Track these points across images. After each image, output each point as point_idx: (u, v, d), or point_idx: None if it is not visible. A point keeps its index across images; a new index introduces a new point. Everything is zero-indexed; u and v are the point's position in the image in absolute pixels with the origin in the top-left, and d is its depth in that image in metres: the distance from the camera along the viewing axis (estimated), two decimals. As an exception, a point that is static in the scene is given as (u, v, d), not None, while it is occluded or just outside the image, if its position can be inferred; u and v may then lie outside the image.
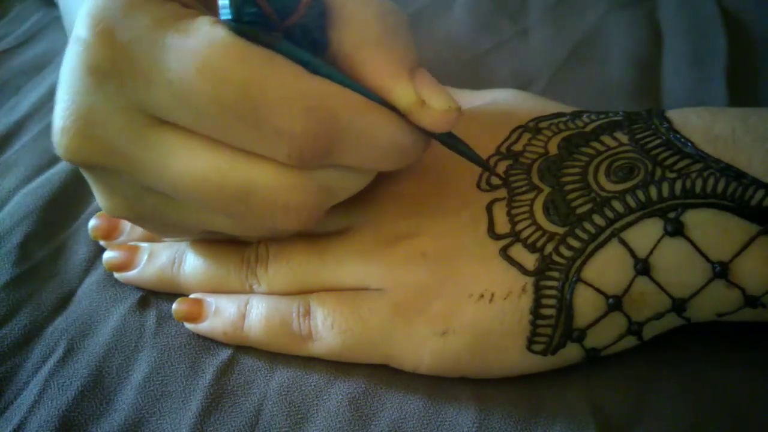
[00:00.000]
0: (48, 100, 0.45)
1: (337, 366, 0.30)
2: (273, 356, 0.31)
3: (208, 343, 0.31)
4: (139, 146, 0.24)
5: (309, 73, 0.24)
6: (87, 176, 0.27)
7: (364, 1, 0.26)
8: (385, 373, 0.29)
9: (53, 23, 0.54)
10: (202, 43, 0.23)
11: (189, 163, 0.24)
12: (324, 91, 0.24)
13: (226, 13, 0.23)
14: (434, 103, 0.25)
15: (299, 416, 0.28)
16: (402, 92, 0.25)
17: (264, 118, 0.23)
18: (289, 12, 0.24)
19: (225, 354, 0.31)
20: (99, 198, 0.28)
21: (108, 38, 0.23)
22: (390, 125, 0.25)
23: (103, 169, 0.26)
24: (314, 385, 0.29)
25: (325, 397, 0.29)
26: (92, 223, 0.35)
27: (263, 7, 0.23)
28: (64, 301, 0.33)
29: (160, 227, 0.30)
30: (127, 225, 0.35)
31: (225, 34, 0.23)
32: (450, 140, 0.28)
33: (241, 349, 0.31)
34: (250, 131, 0.23)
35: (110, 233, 0.35)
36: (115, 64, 0.23)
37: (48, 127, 0.42)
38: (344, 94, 0.24)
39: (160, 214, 0.27)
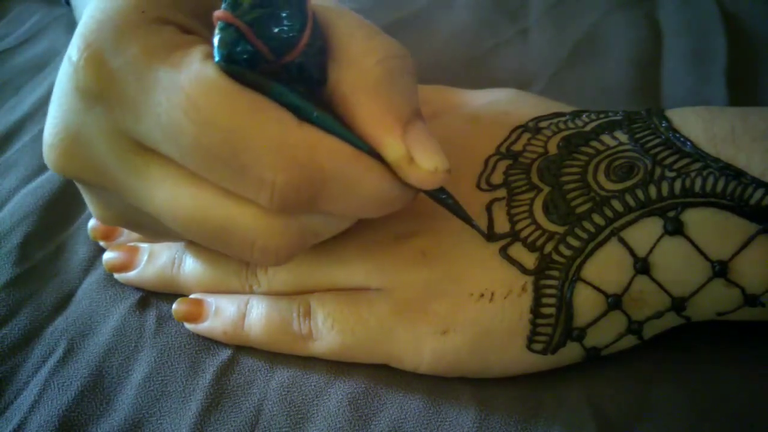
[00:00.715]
0: (48, 100, 0.45)
1: (337, 366, 0.30)
2: (273, 356, 0.31)
3: (208, 343, 0.31)
4: (125, 171, 0.24)
5: (297, 121, 0.23)
6: (78, 186, 0.28)
7: (370, 46, 0.25)
8: (385, 373, 0.29)
9: (53, 23, 0.54)
10: (190, 82, 0.22)
11: (171, 195, 0.24)
12: (310, 142, 0.23)
13: (216, 54, 0.22)
14: (422, 162, 0.24)
15: (299, 416, 0.28)
16: (391, 146, 0.24)
17: (245, 165, 0.22)
18: (286, 49, 0.23)
19: (225, 354, 0.31)
20: (90, 207, 0.28)
21: (97, 63, 0.23)
22: (377, 177, 0.24)
23: (92, 185, 0.26)
24: (314, 385, 0.29)
25: (325, 397, 0.29)
26: (92, 223, 0.35)
27: (257, 45, 0.22)
28: (64, 301, 0.33)
29: (153, 236, 0.31)
30: None
31: (214, 75, 0.22)
32: (439, 195, 0.27)
33: (241, 349, 0.31)
34: (232, 175, 0.23)
35: (110, 234, 0.35)
36: (103, 89, 0.23)
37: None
38: (331, 145, 0.23)
39: (152, 226, 0.28)
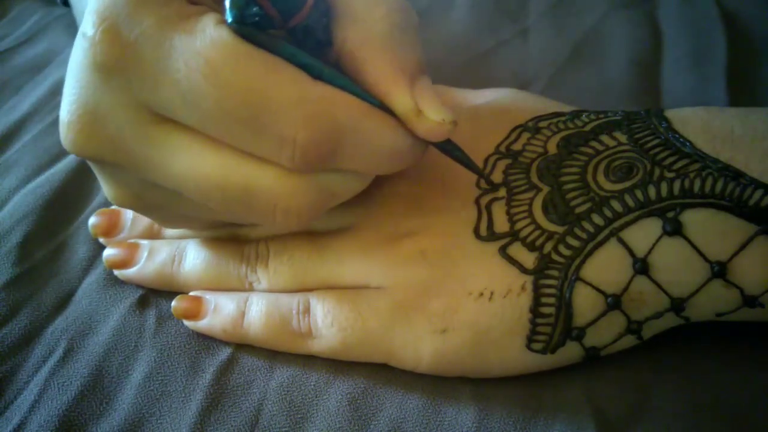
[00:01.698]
0: (48, 100, 0.45)
1: (336, 366, 0.30)
2: (273, 356, 0.31)
3: (207, 342, 0.31)
4: (144, 143, 0.25)
5: (310, 78, 0.24)
6: (93, 167, 0.28)
7: (374, 2, 0.26)
8: (384, 373, 0.30)
9: (53, 23, 0.54)
10: (206, 46, 0.23)
11: (192, 163, 0.24)
12: (325, 97, 0.24)
13: (228, 15, 0.23)
14: (430, 113, 0.25)
15: (299, 416, 0.28)
16: (400, 99, 0.25)
17: (266, 124, 0.23)
18: (292, 12, 0.24)
19: (225, 353, 0.31)
20: (105, 188, 0.28)
21: (113, 36, 0.23)
22: (390, 130, 0.25)
23: (108, 164, 0.26)
24: (314, 385, 0.29)
25: (324, 397, 0.29)
26: (92, 220, 0.35)
27: (266, 8, 0.23)
28: (64, 301, 0.33)
29: (166, 218, 0.31)
30: (127, 222, 0.35)
31: (228, 37, 0.23)
32: (447, 147, 0.28)
33: (241, 348, 0.31)
34: (253, 136, 0.23)
35: (110, 230, 0.35)
36: (120, 61, 0.24)
37: (49, 127, 0.43)
38: (345, 100, 0.24)
39: (166, 206, 0.28)
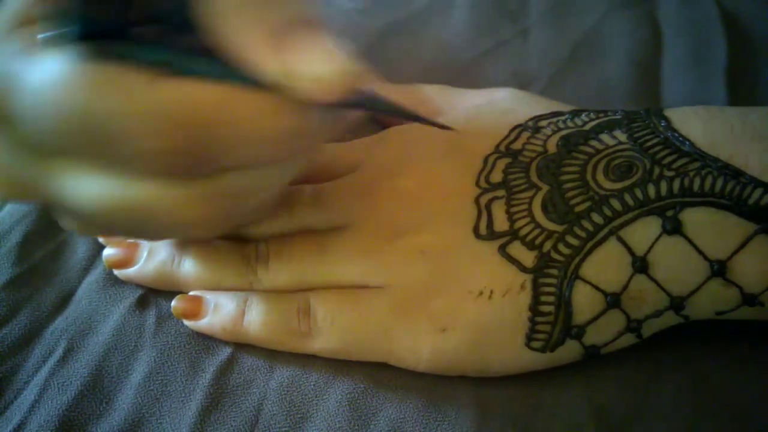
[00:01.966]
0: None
1: (336, 365, 0.30)
2: (272, 356, 0.31)
3: (207, 342, 0.31)
4: (41, 180, 0.24)
5: (162, 78, 0.21)
6: None
7: None
8: (384, 373, 0.30)
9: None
10: (42, 79, 0.21)
11: (83, 191, 0.23)
12: (181, 97, 0.21)
13: (51, 44, 0.21)
14: (305, 69, 0.20)
15: (299, 416, 0.28)
16: (264, 66, 0.21)
17: (122, 143, 0.21)
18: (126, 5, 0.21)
19: (224, 353, 0.31)
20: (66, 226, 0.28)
21: None
22: (268, 111, 0.21)
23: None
24: (314, 385, 0.29)
25: (324, 397, 0.29)
26: None
27: (92, 14, 0.20)
28: (63, 301, 0.33)
29: (127, 236, 0.31)
30: None
31: (63, 65, 0.21)
32: (361, 102, 0.24)
33: (241, 348, 0.31)
34: (118, 157, 0.22)
35: None
36: None
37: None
38: (206, 92, 0.21)
39: (115, 228, 0.27)
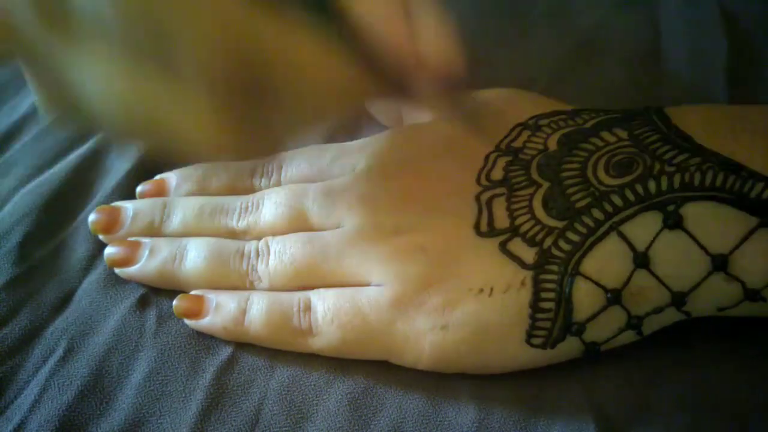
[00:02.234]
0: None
1: (337, 365, 0.30)
2: (273, 355, 0.31)
3: (208, 342, 0.31)
4: (56, 44, 0.23)
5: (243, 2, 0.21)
6: (24, 70, 0.27)
7: None
8: (384, 373, 0.29)
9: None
10: None
11: (103, 74, 0.23)
12: (251, 22, 0.21)
13: None
14: (430, 43, 0.23)
15: (299, 416, 0.28)
16: (389, 30, 0.22)
17: (177, 50, 0.21)
18: None
19: (225, 353, 0.31)
20: (37, 96, 0.27)
21: None
22: (340, 67, 0.23)
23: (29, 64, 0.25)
24: (314, 385, 0.29)
25: (325, 397, 0.29)
26: (92, 217, 0.35)
27: None
28: (64, 301, 0.33)
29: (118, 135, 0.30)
30: (127, 219, 0.35)
31: None
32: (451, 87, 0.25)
33: (241, 348, 0.31)
34: (173, 60, 0.21)
35: (110, 227, 0.34)
36: None
37: (49, 127, 0.43)
38: (280, 32, 0.21)
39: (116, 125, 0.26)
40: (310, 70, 0.22)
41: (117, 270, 0.34)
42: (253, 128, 0.24)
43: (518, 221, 0.28)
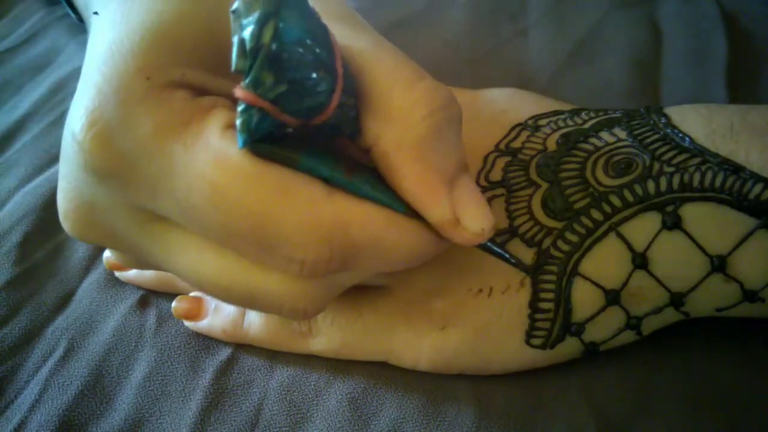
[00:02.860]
0: (49, 99, 0.45)
1: (336, 365, 0.30)
2: (273, 356, 0.31)
3: (207, 342, 0.31)
4: (144, 239, 0.24)
5: (327, 195, 0.21)
6: None
7: (413, 98, 0.22)
8: (384, 373, 0.30)
9: (55, 22, 0.54)
10: (210, 166, 0.20)
11: (195, 263, 0.23)
12: (341, 217, 0.21)
13: (239, 139, 0.20)
14: (469, 225, 0.23)
15: (299, 416, 0.28)
16: (436, 210, 0.23)
17: (274, 247, 0.21)
18: (315, 115, 0.21)
19: (225, 353, 0.31)
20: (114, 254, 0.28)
21: (105, 144, 0.21)
22: (412, 240, 0.23)
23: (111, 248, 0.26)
24: (314, 385, 0.29)
25: (324, 397, 0.29)
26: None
27: (284, 120, 0.20)
28: (64, 301, 0.33)
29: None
30: None
31: (236, 157, 0.20)
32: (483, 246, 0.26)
33: (241, 348, 0.31)
34: (261, 254, 0.22)
35: None
36: (113, 171, 0.22)
37: (49, 127, 0.43)
38: (364, 216, 0.22)
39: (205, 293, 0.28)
40: (390, 245, 0.23)
41: (116, 273, 0.34)
42: (328, 293, 0.25)
43: (517, 222, 0.28)
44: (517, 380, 0.29)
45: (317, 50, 0.20)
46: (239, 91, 0.19)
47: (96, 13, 0.25)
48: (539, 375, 0.29)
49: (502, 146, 0.31)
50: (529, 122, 0.32)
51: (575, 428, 0.27)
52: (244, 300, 0.23)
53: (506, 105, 0.34)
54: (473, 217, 0.23)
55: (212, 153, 0.20)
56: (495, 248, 0.25)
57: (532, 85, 0.43)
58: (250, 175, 0.20)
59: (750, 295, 0.26)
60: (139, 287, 0.34)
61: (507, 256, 0.26)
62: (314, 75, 0.20)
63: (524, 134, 0.31)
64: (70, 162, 0.23)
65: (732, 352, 0.29)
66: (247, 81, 0.19)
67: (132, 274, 0.33)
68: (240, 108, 0.20)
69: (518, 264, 0.26)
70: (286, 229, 0.21)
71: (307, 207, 0.21)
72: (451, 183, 0.23)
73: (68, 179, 0.24)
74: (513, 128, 0.32)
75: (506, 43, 0.47)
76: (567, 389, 0.29)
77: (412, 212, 0.23)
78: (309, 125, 0.21)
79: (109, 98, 0.21)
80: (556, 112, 0.32)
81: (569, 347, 0.28)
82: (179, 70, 0.22)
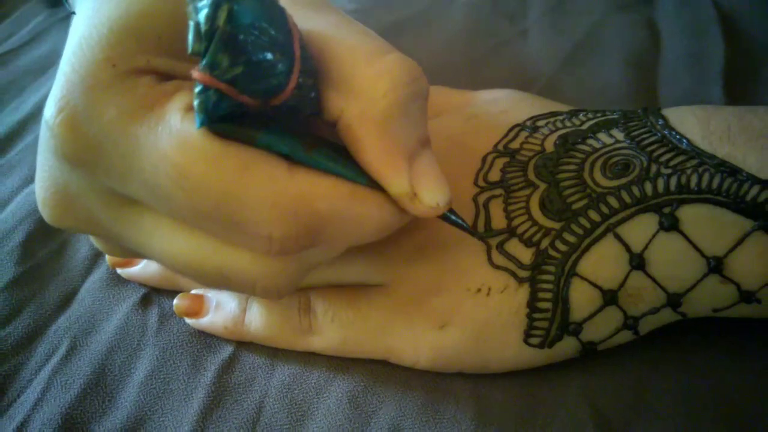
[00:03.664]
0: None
1: (337, 363, 0.30)
2: (274, 354, 0.31)
3: (209, 340, 0.31)
4: (119, 223, 0.24)
5: (288, 171, 0.22)
6: None
7: (376, 72, 0.23)
8: (384, 371, 0.30)
9: (57, 24, 0.54)
10: (172, 147, 0.21)
11: (168, 244, 0.24)
12: (304, 191, 0.22)
13: (196, 120, 0.20)
14: (425, 198, 0.24)
15: (300, 413, 0.29)
16: (395, 183, 0.23)
17: (241, 223, 0.22)
18: (273, 95, 0.21)
19: (226, 352, 0.31)
20: (95, 244, 0.28)
21: (71, 130, 0.22)
22: (376, 211, 0.24)
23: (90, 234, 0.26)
24: (315, 383, 0.30)
25: (325, 395, 0.29)
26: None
27: (242, 101, 0.21)
28: (66, 300, 0.34)
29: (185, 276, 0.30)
30: None
31: (197, 137, 0.21)
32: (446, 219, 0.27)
33: (242, 346, 0.31)
34: (228, 232, 0.22)
35: None
36: (81, 156, 0.22)
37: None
38: (327, 189, 0.22)
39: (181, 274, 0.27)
40: (355, 216, 0.23)
41: (119, 270, 0.34)
42: (301, 271, 0.25)
43: (515, 222, 0.28)
44: (516, 378, 0.29)
45: (273, 32, 0.20)
46: (196, 73, 0.20)
47: (73, 13, 0.26)
48: (538, 373, 0.29)
49: (500, 147, 0.31)
50: (528, 123, 0.32)
51: (573, 426, 0.27)
52: (218, 280, 0.24)
53: (505, 106, 0.34)
54: (430, 191, 0.24)
55: (174, 134, 0.21)
56: (452, 217, 0.26)
57: (531, 86, 0.43)
58: (210, 155, 0.21)
59: (747, 296, 0.26)
60: (141, 285, 0.34)
61: (464, 225, 0.26)
62: (270, 56, 0.20)
63: (522, 135, 0.31)
64: (44, 149, 0.24)
65: (729, 352, 0.29)
66: (203, 63, 0.20)
67: (134, 270, 0.33)
68: (197, 89, 0.20)
69: (474, 233, 0.27)
70: (248, 206, 0.21)
71: (267, 183, 0.21)
72: (412, 157, 0.24)
73: (44, 167, 0.24)
74: (511, 129, 0.32)
75: (505, 43, 0.47)
76: (565, 387, 0.29)
77: (374, 185, 0.23)
78: (268, 105, 0.21)
79: (76, 86, 0.22)
80: (554, 113, 0.32)
81: (567, 347, 0.28)
82: (144, 57, 0.22)
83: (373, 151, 0.23)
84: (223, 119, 0.21)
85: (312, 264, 0.25)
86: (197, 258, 0.23)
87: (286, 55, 0.21)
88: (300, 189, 0.22)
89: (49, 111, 0.22)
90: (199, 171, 0.21)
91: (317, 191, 0.22)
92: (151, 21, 0.22)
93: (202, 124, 0.20)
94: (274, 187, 0.21)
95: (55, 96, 0.22)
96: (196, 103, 0.20)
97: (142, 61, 0.22)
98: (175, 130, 0.21)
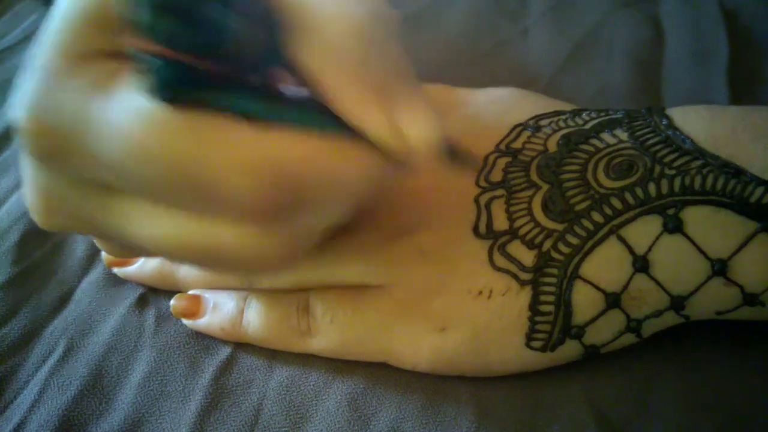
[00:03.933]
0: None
1: (336, 365, 0.30)
2: (272, 355, 0.31)
3: (207, 342, 0.31)
4: (101, 214, 0.24)
5: (253, 132, 0.20)
6: None
7: (338, 13, 0.21)
8: (384, 373, 0.29)
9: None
10: (124, 119, 0.20)
11: (150, 228, 0.23)
12: (275, 151, 0.20)
13: (143, 87, 0.19)
14: (411, 131, 0.22)
15: (298, 416, 0.28)
16: (373, 125, 0.21)
17: (208, 191, 0.20)
18: (214, 47, 0.19)
19: (224, 353, 0.31)
20: (97, 245, 0.28)
21: (37, 126, 0.22)
22: (359, 162, 0.22)
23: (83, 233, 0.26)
24: (313, 385, 0.29)
25: (324, 397, 0.29)
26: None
27: (184, 60, 0.19)
28: (63, 301, 0.33)
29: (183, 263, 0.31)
30: None
31: (146, 105, 0.20)
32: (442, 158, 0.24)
33: (241, 348, 0.31)
34: (199, 204, 0.21)
35: None
36: (49, 149, 0.22)
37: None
38: (297, 145, 0.21)
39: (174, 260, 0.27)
40: (336, 171, 0.22)
41: (115, 269, 0.34)
42: (292, 240, 0.23)
43: (517, 223, 0.28)
44: (517, 381, 0.29)
45: None
46: (128, 43, 0.19)
47: None
48: (539, 376, 0.29)
49: (502, 146, 0.31)
50: (530, 122, 0.32)
51: (575, 428, 0.27)
52: (208, 258, 0.23)
53: (507, 105, 0.34)
54: (416, 125, 0.22)
55: (125, 106, 0.20)
56: (452, 153, 0.24)
57: (532, 85, 0.43)
58: (162, 123, 0.20)
59: (750, 299, 0.26)
60: (138, 285, 0.34)
61: (470, 160, 0.25)
62: (202, 4, 0.19)
63: (525, 135, 0.31)
64: (23, 153, 0.24)
65: (732, 354, 0.29)
66: (135, 27, 0.18)
67: (131, 270, 0.33)
68: (135, 58, 0.19)
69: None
70: (211, 172, 0.20)
71: (228, 146, 0.20)
72: (392, 95, 0.22)
73: (27, 170, 0.24)
74: (513, 128, 0.31)
75: (507, 43, 0.47)
76: (567, 390, 0.29)
77: (353, 134, 0.22)
78: (218, 62, 0.20)
79: (37, 80, 0.22)
80: (557, 113, 0.32)
81: (569, 350, 0.28)
82: (101, 39, 0.21)
83: (343, 92, 0.21)
84: (172, 85, 0.19)
85: (310, 231, 0.24)
86: (184, 238, 0.22)
87: (220, 0, 0.19)
88: (269, 149, 0.20)
89: (17, 112, 0.22)
90: (153, 141, 0.20)
91: (288, 150, 0.21)
92: (110, 6, 0.21)
93: (150, 93, 0.19)
94: (239, 150, 0.20)
95: (21, 95, 0.22)
96: (137, 72, 0.19)
97: (99, 44, 0.21)
98: (125, 101, 0.20)
